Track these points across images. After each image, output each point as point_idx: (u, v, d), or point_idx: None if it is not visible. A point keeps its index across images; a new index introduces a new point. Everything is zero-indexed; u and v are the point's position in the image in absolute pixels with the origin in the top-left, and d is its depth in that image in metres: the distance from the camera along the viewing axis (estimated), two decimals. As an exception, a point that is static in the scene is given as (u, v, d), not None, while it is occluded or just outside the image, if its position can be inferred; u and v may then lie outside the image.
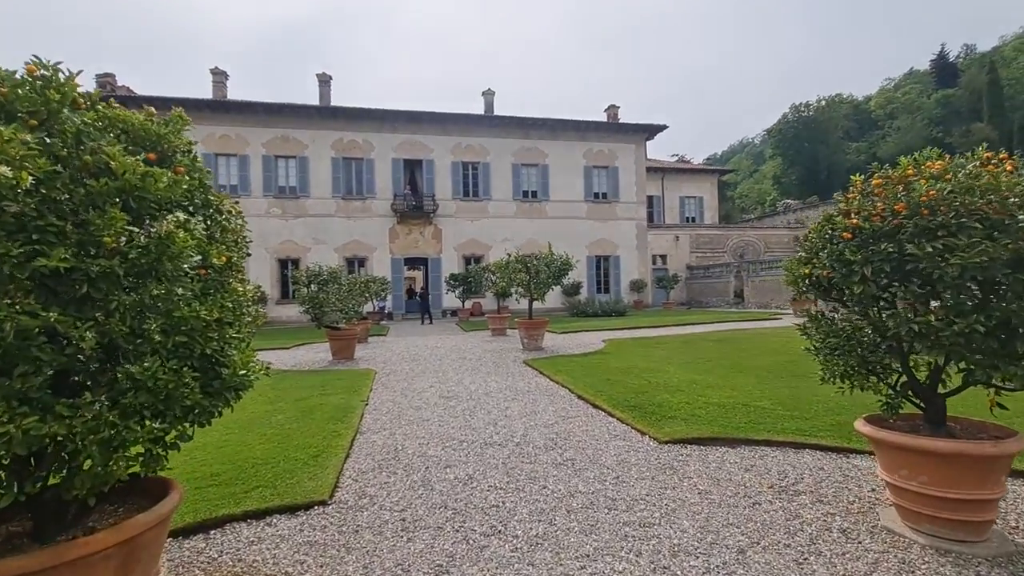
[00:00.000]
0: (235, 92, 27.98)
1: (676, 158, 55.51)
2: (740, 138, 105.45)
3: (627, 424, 4.98)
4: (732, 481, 3.54)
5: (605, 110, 31.26)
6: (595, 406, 5.78)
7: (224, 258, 2.00)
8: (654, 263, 30.74)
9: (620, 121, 29.90)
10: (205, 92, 27.92)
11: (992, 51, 61.77)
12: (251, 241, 2.43)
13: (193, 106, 24.58)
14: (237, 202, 2.58)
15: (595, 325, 16.52)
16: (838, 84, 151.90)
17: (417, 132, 26.64)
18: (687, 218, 36.78)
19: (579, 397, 6.29)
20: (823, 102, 66.12)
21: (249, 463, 4.02)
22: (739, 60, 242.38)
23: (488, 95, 29.28)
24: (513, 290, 12.31)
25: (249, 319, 2.21)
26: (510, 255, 11.82)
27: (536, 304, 11.93)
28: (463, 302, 23.53)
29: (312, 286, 11.29)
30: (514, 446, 4.46)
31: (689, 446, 4.31)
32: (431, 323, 22.22)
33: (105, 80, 25.87)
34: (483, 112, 28.75)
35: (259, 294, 23.19)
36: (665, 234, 31.65)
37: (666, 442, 4.38)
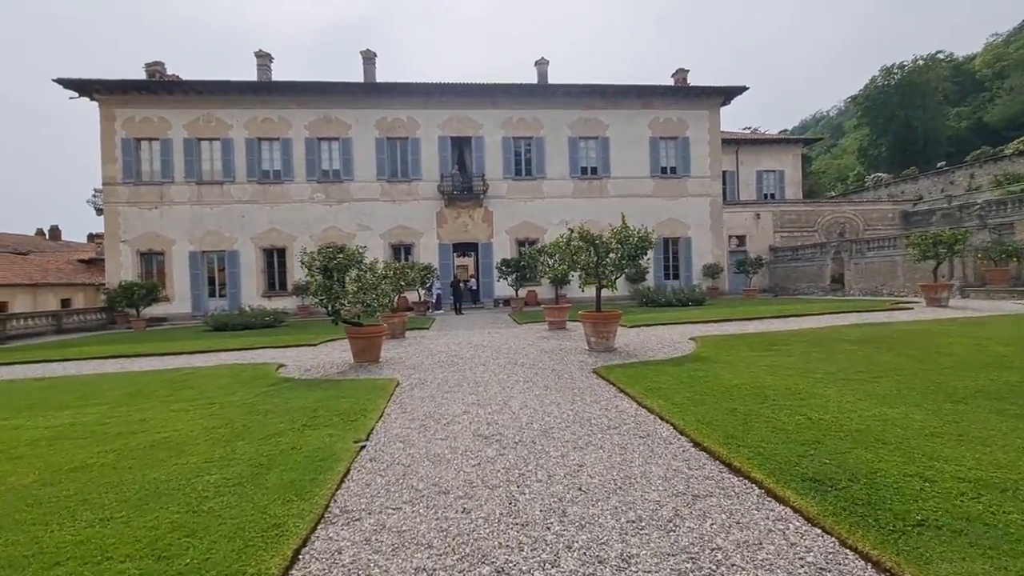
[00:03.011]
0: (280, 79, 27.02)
1: (749, 131, 50.49)
2: (813, 112, 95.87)
3: (831, 534, 2.48)
4: None
5: (672, 75, 27.81)
6: (735, 470, 3.31)
7: None
8: (730, 245, 27.21)
9: (690, 85, 26.42)
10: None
11: None
12: None
13: (235, 89, 23.72)
14: None
15: (671, 317, 13.78)
16: (929, 44, 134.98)
17: (465, 107, 24.51)
18: (765, 195, 32.71)
19: (696, 444, 3.84)
20: (920, 62, 57.83)
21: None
22: (808, 25, 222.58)
23: (541, 64, 26.64)
24: (575, 275, 9.89)
25: None
26: (571, 231, 9.39)
27: (601, 292, 9.47)
28: (516, 290, 21.25)
29: (334, 273, 9.34)
30: (609, 598, 2.12)
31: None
32: (461, 314, 20.28)
33: (154, 68, 25.52)
34: (536, 83, 26.16)
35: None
36: (743, 212, 27.93)
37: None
